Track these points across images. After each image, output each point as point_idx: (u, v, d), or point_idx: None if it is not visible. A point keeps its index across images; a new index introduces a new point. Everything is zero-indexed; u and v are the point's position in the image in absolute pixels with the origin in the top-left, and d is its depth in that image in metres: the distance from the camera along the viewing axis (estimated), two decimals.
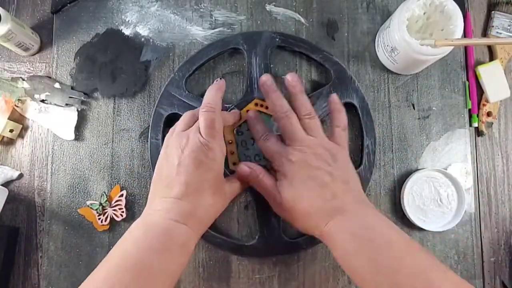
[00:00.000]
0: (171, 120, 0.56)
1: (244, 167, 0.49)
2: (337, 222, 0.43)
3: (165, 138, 0.49)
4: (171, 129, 0.50)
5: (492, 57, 0.61)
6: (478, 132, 0.60)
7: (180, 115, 0.55)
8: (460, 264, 0.57)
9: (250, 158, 0.55)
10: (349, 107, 0.57)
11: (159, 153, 0.53)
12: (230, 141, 0.54)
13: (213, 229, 0.54)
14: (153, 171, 0.54)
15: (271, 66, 0.57)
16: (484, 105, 0.60)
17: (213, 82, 0.55)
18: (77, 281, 0.54)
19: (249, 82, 0.56)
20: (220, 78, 0.50)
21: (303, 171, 0.45)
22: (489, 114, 0.59)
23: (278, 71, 0.59)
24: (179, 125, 0.48)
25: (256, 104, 0.55)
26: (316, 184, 0.44)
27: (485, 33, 0.62)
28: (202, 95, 0.56)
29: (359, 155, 0.57)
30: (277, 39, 0.57)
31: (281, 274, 0.55)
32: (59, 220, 0.55)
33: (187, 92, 0.56)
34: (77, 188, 0.56)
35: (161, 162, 0.46)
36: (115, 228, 0.55)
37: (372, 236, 0.41)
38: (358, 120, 0.57)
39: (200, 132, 0.44)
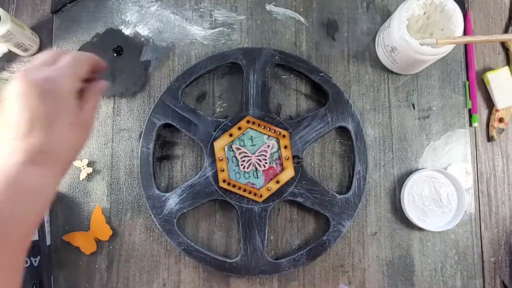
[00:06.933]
0: (164, 129, 0.56)
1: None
2: None
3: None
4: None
5: (509, 61, 0.61)
6: (489, 138, 0.59)
7: (174, 126, 0.55)
8: (460, 264, 0.57)
9: (240, 175, 0.54)
10: (343, 131, 0.57)
11: (149, 163, 0.55)
12: (221, 158, 0.54)
13: (196, 243, 0.54)
14: (142, 181, 0.54)
15: (267, 83, 0.56)
16: (497, 110, 0.59)
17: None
18: (77, 282, 0.54)
19: (245, 98, 0.56)
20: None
21: None
22: (501, 120, 0.59)
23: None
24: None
25: (248, 122, 0.54)
26: None
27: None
28: (196, 107, 0.56)
29: (349, 180, 0.56)
30: (277, 57, 0.57)
31: (281, 274, 0.55)
32: (59, 220, 0.55)
33: (182, 103, 0.55)
34: (77, 188, 0.56)
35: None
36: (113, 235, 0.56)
37: None
38: (351, 145, 0.56)
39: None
